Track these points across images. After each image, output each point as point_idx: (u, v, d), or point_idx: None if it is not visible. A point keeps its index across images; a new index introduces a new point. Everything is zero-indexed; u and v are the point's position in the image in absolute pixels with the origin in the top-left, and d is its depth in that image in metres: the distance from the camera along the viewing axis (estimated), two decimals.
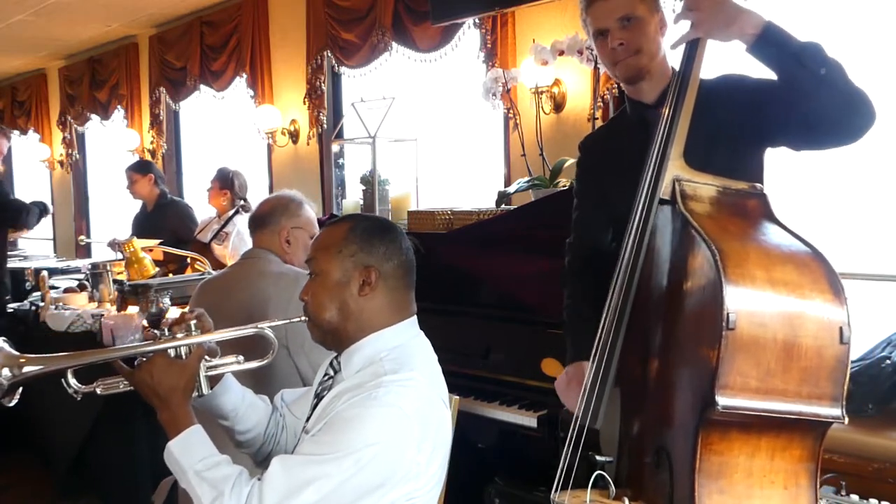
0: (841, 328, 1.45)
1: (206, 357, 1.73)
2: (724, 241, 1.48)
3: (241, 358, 1.78)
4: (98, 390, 1.70)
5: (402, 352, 1.67)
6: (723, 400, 1.42)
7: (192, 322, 1.71)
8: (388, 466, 1.54)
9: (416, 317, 1.77)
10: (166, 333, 1.70)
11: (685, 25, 1.75)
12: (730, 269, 1.43)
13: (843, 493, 1.91)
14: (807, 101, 1.66)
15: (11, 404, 1.65)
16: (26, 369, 1.62)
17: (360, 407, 1.55)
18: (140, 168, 5.34)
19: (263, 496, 1.50)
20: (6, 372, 1.61)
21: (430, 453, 1.60)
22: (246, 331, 1.76)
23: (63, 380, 1.66)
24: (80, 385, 1.67)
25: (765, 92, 1.77)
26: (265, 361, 1.78)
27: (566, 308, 2.09)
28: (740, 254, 1.47)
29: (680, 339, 1.57)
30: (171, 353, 1.67)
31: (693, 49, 1.74)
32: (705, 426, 1.45)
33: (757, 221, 1.59)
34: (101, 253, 6.94)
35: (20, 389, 1.64)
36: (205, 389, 1.72)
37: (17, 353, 1.64)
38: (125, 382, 1.70)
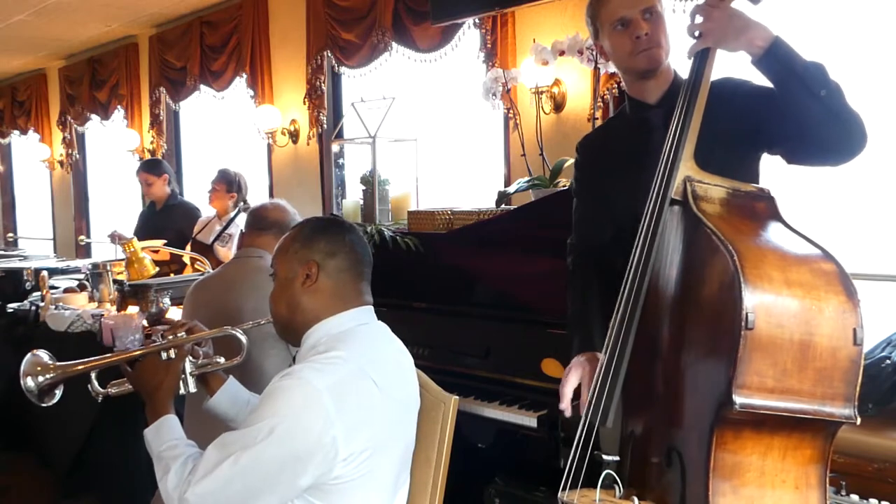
0: (855, 329, 1.46)
1: (191, 358, 1.94)
2: (739, 241, 1.50)
3: (221, 359, 1.98)
4: (111, 391, 1.96)
5: (343, 337, 1.76)
6: (740, 399, 1.43)
7: (182, 330, 1.93)
8: (295, 439, 1.60)
9: (370, 307, 1.86)
10: (160, 339, 1.92)
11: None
12: (748, 270, 1.44)
13: (843, 493, 1.92)
14: (802, 118, 1.69)
15: (52, 403, 1.90)
16: (45, 377, 1.88)
17: (277, 382, 1.65)
18: (154, 169, 5.22)
19: (196, 470, 1.65)
20: (30, 381, 1.86)
21: (346, 430, 1.63)
22: (217, 333, 1.98)
23: (89, 385, 1.92)
24: (100, 388, 1.93)
25: (762, 99, 1.78)
26: (236, 361, 1.99)
27: (571, 307, 2.08)
28: (757, 255, 1.48)
29: (694, 338, 1.58)
30: (164, 355, 1.89)
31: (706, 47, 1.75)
32: (720, 425, 1.46)
33: (767, 224, 1.60)
34: (101, 253, 6.94)
35: (61, 387, 1.90)
36: (192, 388, 1.93)
37: (47, 361, 1.90)
38: (127, 383, 1.94)
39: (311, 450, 1.60)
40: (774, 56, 1.67)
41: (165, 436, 1.78)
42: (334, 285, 1.81)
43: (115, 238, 4.83)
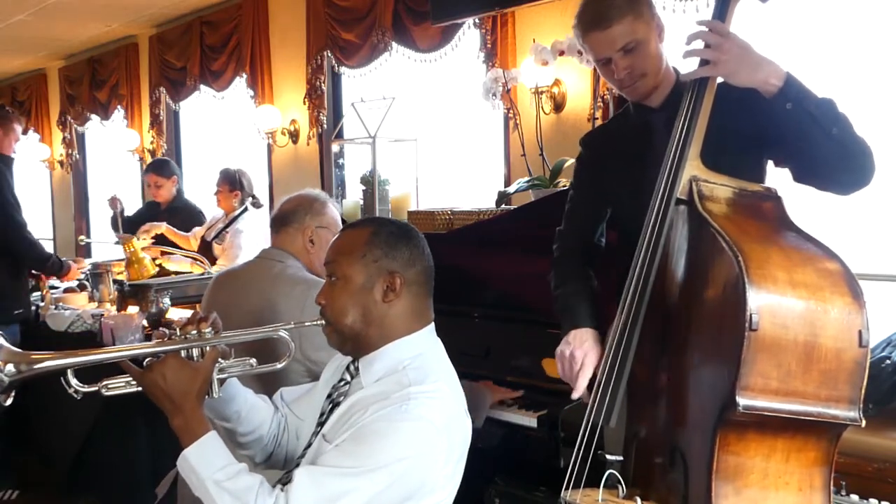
0: (860, 331, 1.47)
1: (220, 359, 1.68)
2: (744, 242, 1.50)
3: (253, 361, 1.73)
4: (102, 391, 1.61)
5: (424, 360, 1.65)
6: (744, 400, 1.43)
7: (206, 326, 1.65)
8: (417, 480, 1.53)
9: (433, 325, 1.74)
10: (177, 333, 1.63)
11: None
12: (752, 271, 1.44)
13: (843, 493, 1.91)
14: (813, 153, 1.68)
15: (7, 403, 1.58)
16: (36, 366, 1.56)
17: (389, 420, 1.53)
18: (164, 171, 5.15)
19: None
20: (10, 368, 1.52)
21: (455, 464, 1.61)
22: (262, 333, 1.73)
23: (62, 378, 1.58)
24: (81, 385, 1.59)
25: (766, 106, 1.76)
26: (280, 365, 1.74)
27: (556, 287, 2.07)
28: (761, 255, 1.48)
29: (698, 339, 1.58)
30: (183, 353, 1.62)
31: None
32: (724, 427, 1.46)
33: (773, 224, 1.60)
34: (101, 253, 6.93)
35: (13, 392, 1.57)
36: (215, 393, 1.67)
37: (19, 349, 1.57)
38: (132, 383, 1.63)
39: (425, 490, 1.56)
40: (787, 96, 1.65)
41: (216, 460, 1.55)
42: (413, 300, 1.68)
43: (116, 202, 4.79)
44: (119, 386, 1.63)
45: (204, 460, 1.55)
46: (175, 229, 4.84)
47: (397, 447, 1.51)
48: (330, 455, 1.56)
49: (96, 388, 1.61)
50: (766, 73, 1.65)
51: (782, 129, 1.71)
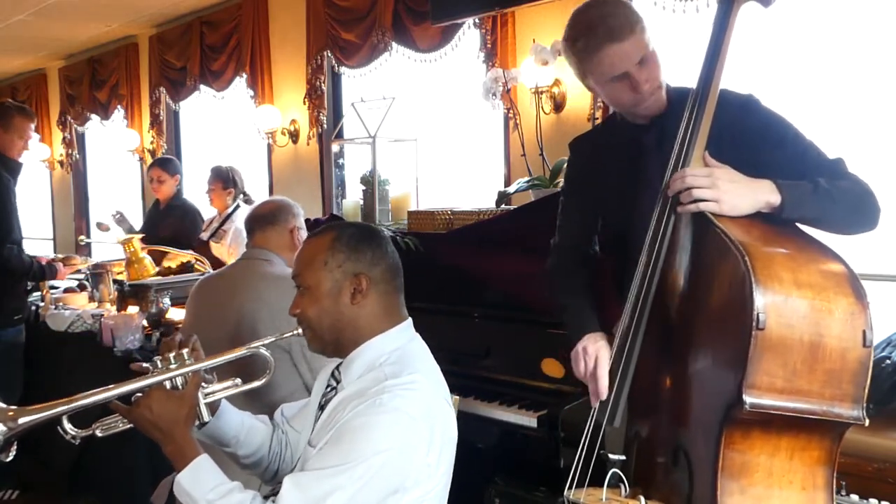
0: (864, 331, 1.48)
1: (203, 384, 1.72)
2: (749, 242, 1.51)
3: (238, 381, 1.79)
4: (97, 433, 1.69)
5: (401, 355, 1.68)
6: (750, 399, 1.44)
7: (185, 351, 1.70)
8: (399, 472, 1.55)
9: (410, 320, 1.77)
10: (158, 365, 1.69)
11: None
12: (758, 270, 1.45)
13: (843, 493, 1.92)
14: (822, 226, 1.68)
15: (9, 459, 1.62)
16: (21, 421, 1.59)
17: (365, 415, 1.55)
18: (168, 167, 5.18)
19: None
20: (1, 427, 1.57)
21: (438, 454, 1.61)
22: (240, 353, 1.77)
23: (59, 427, 1.63)
24: (76, 430, 1.66)
25: (764, 145, 1.75)
26: (262, 381, 1.80)
27: (558, 297, 2.04)
28: (767, 255, 1.49)
29: (703, 338, 1.58)
30: (167, 384, 1.67)
31: (717, 47, 1.69)
32: (729, 425, 1.47)
33: (776, 225, 1.61)
34: (101, 253, 6.93)
35: (15, 444, 1.61)
36: (205, 417, 1.72)
37: (5, 405, 1.61)
38: (123, 421, 1.69)
39: (410, 482, 1.57)
40: (783, 209, 1.62)
41: (208, 481, 1.60)
42: (382, 298, 1.71)
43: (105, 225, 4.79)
44: (111, 425, 1.70)
45: (196, 482, 1.60)
46: (169, 248, 4.78)
47: (374, 441, 1.53)
48: (313, 459, 1.60)
49: (91, 431, 1.68)
50: (761, 197, 1.60)
51: (772, 160, 1.71)
